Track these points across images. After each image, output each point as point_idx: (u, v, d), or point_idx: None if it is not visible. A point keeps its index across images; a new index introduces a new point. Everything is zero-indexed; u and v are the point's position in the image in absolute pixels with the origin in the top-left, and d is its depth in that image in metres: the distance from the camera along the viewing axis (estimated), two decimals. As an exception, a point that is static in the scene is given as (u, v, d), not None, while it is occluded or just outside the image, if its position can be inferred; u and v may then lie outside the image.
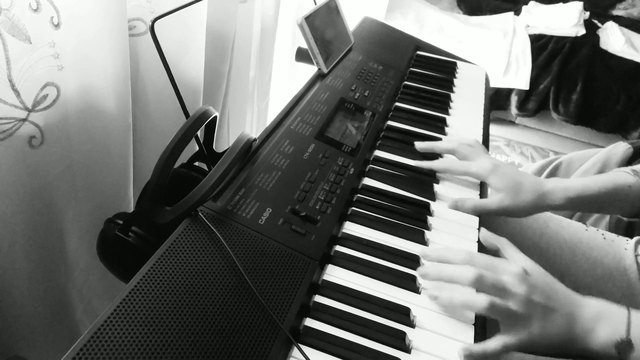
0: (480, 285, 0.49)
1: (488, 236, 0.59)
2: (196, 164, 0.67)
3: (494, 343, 0.48)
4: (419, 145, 0.73)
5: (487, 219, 0.71)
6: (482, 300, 0.48)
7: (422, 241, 0.59)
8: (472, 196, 0.70)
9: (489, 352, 0.47)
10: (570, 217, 1.17)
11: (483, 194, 0.72)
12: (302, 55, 0.88)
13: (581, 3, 2.28)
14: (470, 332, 0.50)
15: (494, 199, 0.66)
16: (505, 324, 0.49)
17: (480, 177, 0.67)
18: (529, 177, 0.66)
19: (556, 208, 0.67)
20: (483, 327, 0.51)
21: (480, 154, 0.69)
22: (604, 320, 0.49)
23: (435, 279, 0.53)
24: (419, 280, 0.54)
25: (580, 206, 0.67)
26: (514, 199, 0.64)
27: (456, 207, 0.67)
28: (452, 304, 0.51)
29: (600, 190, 0.66)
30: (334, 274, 0.53)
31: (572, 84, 2.08)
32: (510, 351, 0.48)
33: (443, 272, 0.52)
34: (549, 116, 2.18)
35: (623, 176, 0.67)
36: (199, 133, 0.57)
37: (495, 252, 0.58)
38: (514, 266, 0.51)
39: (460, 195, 0.69)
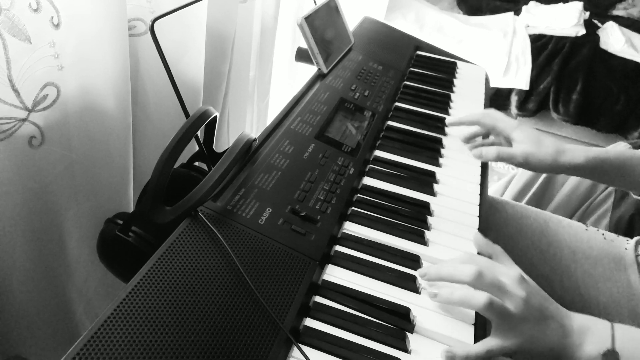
0: (479, 282, 0.49)
1: (482, 243, 0.58)
2: (196, 164, 0.67)
3: (478, 347, 0.47)
4: (449, 120, 0.83)
5: (487, 218, 0.71)
6: (481, 297, 0.47)
7: (422, 241, 0.59)
8: (472, 190, 0.70)
9: (472, 357, 0.47)
10: (570, 217, 1.17)
11: (483, 187, 0.72)
12: (302, 55, 0.88)
13: (581, 3, 2.28)
14: (470, 333, 0.50)
15: (517, 148, 0.71)
16: (498, 325, 0.48)
17: (506, 131, 0.73)
18: (548, 136, 0.71)
19: (574, 168, 0.70)
20: (483, 327, 0.51)
21: (504, 117, 0.75)
22: (591, 333, 0.49)
23: (435, 278, 0.53)
24: (419, 280, 0.54)
25: (597, 170, 0.70)
26: (536, 149, 0.69)
27: (480, 156, 0.74)
28: (451, 301, 0.50)
29: (618, 156, 0.70)
30: (334, 274, 0.53)
31: (572, 84, 2.08)
32: (494, 356, 0.47)
33: (443, 270, 0.52)
34: (549, 116, 2.18)
35: None
36: (199, 133, 0.57)
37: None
38: (513, 270, 0.51)
39: (460, 195, 0.69)
